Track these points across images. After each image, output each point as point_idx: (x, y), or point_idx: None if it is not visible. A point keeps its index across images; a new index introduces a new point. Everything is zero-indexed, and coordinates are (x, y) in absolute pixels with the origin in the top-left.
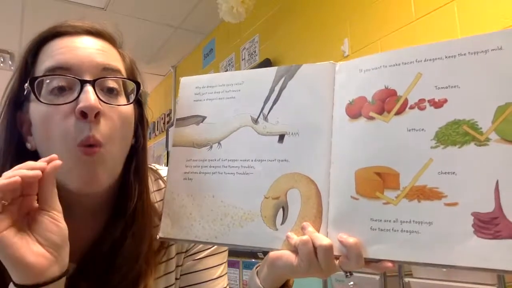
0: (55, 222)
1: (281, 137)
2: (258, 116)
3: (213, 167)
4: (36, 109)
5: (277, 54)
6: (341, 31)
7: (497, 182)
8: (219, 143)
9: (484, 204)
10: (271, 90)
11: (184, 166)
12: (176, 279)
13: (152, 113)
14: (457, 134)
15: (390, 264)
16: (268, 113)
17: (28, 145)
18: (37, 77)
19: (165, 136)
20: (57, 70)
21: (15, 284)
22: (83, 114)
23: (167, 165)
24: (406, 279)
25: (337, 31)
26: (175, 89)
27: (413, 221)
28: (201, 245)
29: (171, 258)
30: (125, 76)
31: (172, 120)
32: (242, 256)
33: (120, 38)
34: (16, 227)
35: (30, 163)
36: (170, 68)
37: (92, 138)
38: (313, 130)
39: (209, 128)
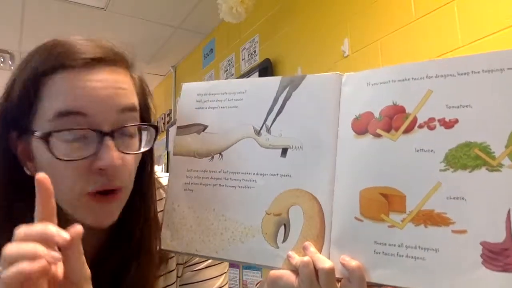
0: None
1: (284, 151)
2: (261, 128)
3: (214, 178)
4: (45, 155)
5: (277, 54)
6: (341, 31)
7: (509, 211)
8: (220, 154)
9: (494, 233)
10: (275, 101)
11: (185, 176)
12: None
13: (156, 112)
14: (468, 157)
15: None
16: (271, 125)
17: (28, 172)
18: (50, 132)
19: (165, 136)
20: (71, 115)
21: None
22: (105, 170)
23: (167, 166)
24: None
25: (337, 31)
26: (175, 89)
27: (419, 247)
28: None
29: (172, 271)
30: (137, 107)
31: (172, 120)
32: None
33: (132, 56)
34: None
35: (49, 233)
36: (170, 68)
37: (111, 186)
38: (317, 144)
39: (210, 138)
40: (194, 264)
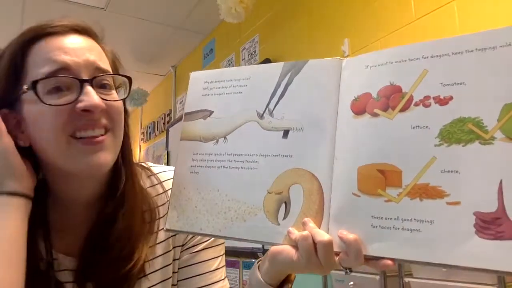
0: None
1: (286, 133)
2: (264, 111)
3: (219, 161)
4: (34, 109)
5: (277, 54)
6: (341, 31)
7: (500, 181)
8: (225, 137)
9: (487, 204)
10: (277, 85)
11: (191, 160)
12: (174, 272)
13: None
14: (462, 132)
15: (390, 262)
16: (274, 108)
17: (21, 143)
18: (37, 80)
19: (165, 136)
20: (57, 72)
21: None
22: (87, 112)
23: (167, 166)
24: (406, 279)
25: (337, 31)
26: (175, 89)
27: (415, 219)
28: (198, 239)
29: (168, 251)
30: (111, 71)
31: (172, 120)
32: (242, 256)
33: (101, 32)
34: None
35: None
36: (170, 68)
37: (96, 132)
38: (317, 126)
39: (216, 123)
40: (192, 246)
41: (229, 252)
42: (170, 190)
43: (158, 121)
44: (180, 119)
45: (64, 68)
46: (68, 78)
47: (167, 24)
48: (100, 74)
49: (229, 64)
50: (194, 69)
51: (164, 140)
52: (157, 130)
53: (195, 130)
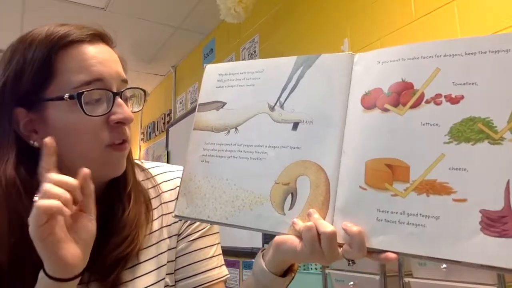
0: (91, 223)
1: (295, 125)
2: (275, 104)
3: (229, 151)
4: (67, 117)
5: (277, 54)
6: (341, 31)
7: (508, 181)
8: (236, 128)
9: (493, 202)
10: (289, 79)
11: (202, 149)
12: (171, 261)
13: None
14: (472, 131)
15: (393, 255)
16: (285, 101)
17: (36, 144)
18: (82, 92)
19: (165, 136)
20: (93, 83)
21: (48, 276)
22: (120, 123)
23: (157, 162)
24: (406, 279)
25: (337, 31)
26: (175, 89)
27: (420, 214)
28: (193, 227)
29: (162, 240)
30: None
31: (172, 120)
32: (242, 256)
33: (115, 36)
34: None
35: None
36: (170, 68)
37: (124, 137)
38: (327, 119)
39: (228, 114)
40: (188, 235)
41: (229, 252)
42: (162, 183)
43: (158, 121)
44: (180, 119)
45: (99, 79)
46: (102, 90)
47: (167, 24)
48: (125, 88)
49: None
50: (194, 69)
51: (164, 140)
52: (157, 130)
53: (208, 120)
